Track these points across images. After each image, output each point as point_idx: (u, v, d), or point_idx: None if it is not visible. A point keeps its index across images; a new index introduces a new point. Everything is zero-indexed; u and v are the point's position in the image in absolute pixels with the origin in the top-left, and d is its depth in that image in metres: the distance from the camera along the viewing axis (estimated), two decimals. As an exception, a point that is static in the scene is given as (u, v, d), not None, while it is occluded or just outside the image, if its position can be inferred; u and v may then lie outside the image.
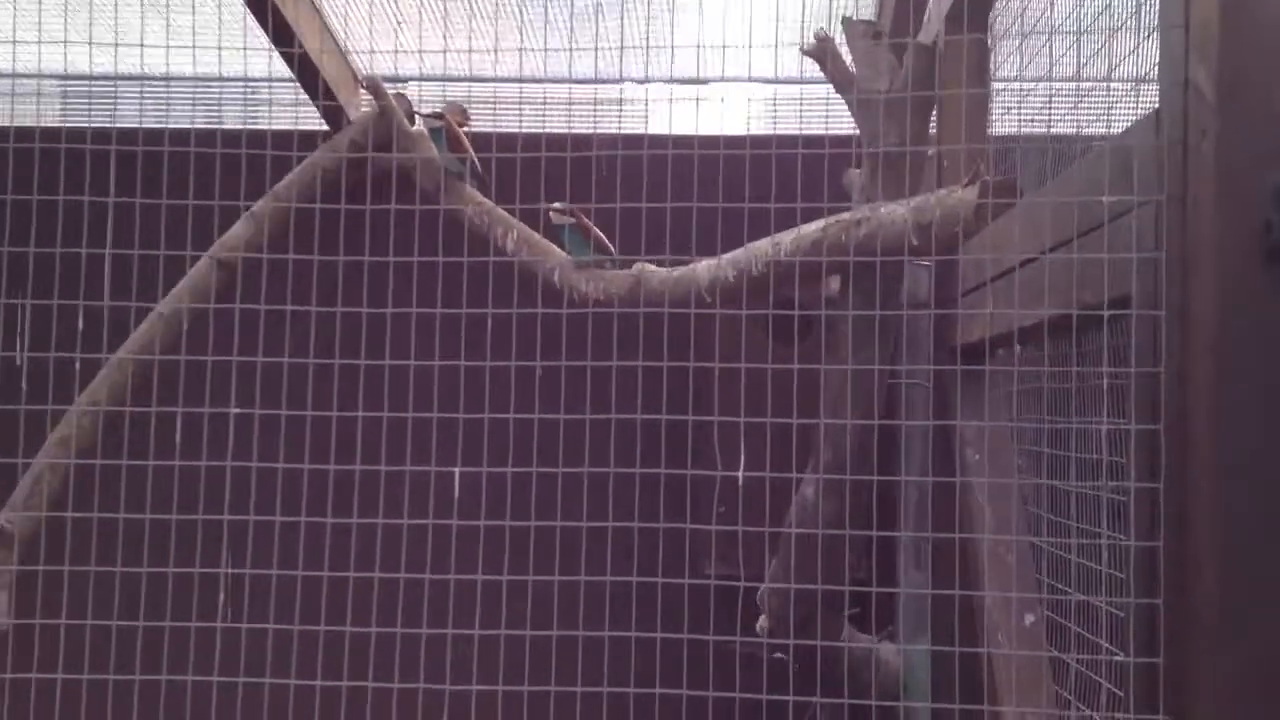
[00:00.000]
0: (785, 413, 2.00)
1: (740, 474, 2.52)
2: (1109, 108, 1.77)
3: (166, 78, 2.79)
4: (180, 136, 2.29)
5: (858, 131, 2.58)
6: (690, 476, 2.64)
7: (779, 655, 2.70)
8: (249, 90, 3.17)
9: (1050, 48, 1.96)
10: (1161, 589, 1.14)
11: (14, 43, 2.67)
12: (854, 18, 2.58)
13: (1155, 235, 1.18)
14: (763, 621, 2.82)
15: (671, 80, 3.49)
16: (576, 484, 2.19)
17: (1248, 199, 1.06)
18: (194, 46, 2.37)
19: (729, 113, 3.74)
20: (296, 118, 3.34)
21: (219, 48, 2.43)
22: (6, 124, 3.28)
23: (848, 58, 2.56)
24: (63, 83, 3.12)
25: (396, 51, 3.15)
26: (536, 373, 2.12)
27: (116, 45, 2.27)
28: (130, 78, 2.93)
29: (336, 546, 2.26)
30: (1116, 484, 1.41)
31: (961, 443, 2.22)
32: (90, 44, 2.30)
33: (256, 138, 2.39)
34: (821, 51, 2.56)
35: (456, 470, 2.10)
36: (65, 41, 2.31)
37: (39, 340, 2.42)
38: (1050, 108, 1.97)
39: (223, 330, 2.31)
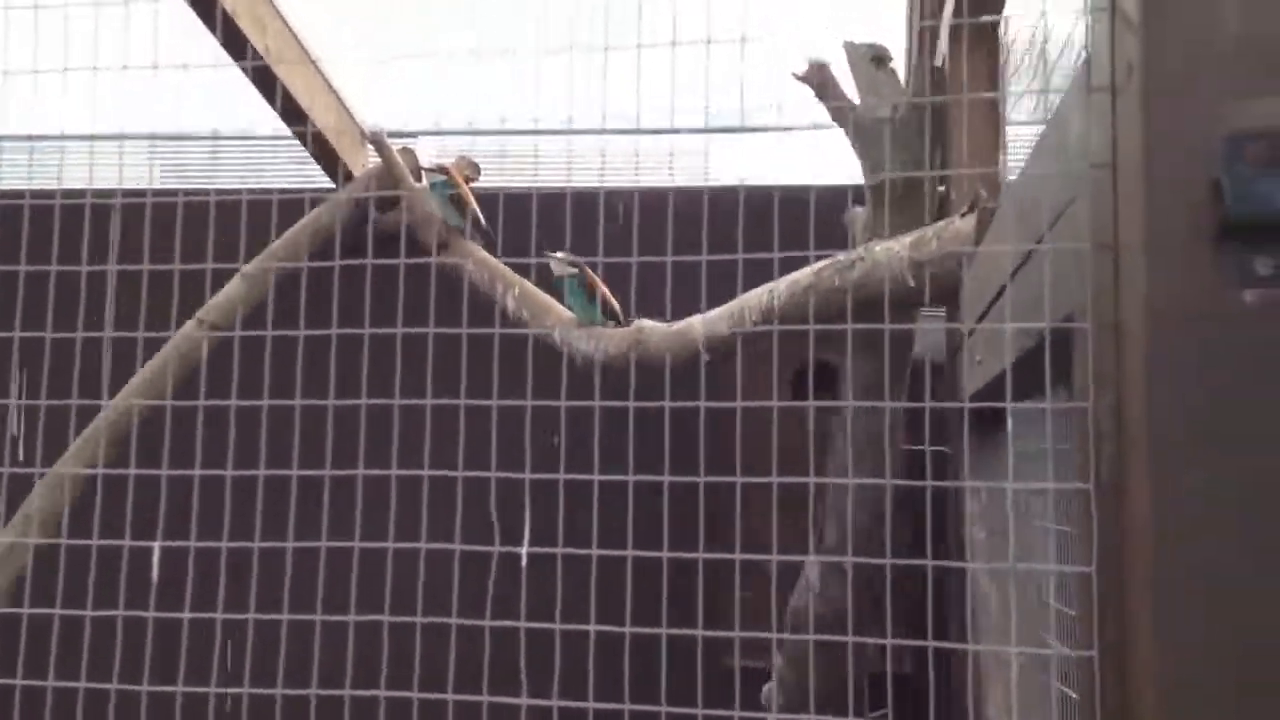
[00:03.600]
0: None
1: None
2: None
3: (119, 136, 2.64)
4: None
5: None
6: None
7: (796, 764, 2.35)
8: (214, 146, 3.05)
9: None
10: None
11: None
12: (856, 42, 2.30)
13: (1092, 223, 0.86)
14: (768, 723, 2.46)
15: (745, 130, 3.25)
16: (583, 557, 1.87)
17: (1188, 154, 0.74)
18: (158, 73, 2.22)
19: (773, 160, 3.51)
20: (279, 175, 3.22)
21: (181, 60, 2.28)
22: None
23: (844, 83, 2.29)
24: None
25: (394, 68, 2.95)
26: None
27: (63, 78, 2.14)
28: (111, 137, 2.81)
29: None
30: (1056, 567, 1.07)
31: (967, 521, 1.86)
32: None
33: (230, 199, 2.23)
34: (818, 77, 2.29)
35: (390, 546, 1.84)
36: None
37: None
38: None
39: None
